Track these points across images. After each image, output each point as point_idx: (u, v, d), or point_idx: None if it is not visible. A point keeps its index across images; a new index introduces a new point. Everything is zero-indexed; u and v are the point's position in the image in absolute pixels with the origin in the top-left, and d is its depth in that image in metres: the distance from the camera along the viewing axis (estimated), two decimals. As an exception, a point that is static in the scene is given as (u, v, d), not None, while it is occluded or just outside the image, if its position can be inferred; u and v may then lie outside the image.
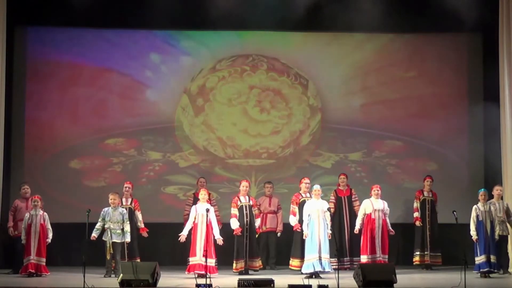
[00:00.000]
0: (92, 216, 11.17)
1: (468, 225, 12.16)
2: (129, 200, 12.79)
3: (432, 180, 13.37)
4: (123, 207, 12.39)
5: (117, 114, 14.20)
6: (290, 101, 14.38)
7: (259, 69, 14.39)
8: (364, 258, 12.52)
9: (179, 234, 11.95)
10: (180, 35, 14.42)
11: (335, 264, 11.94)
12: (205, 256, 11.20)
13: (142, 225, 12.62)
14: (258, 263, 12.51)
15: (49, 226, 12.19)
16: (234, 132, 14.29)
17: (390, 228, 12.65)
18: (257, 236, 12.69)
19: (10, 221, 12.70)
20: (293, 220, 12.68)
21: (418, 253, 13.20)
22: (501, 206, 12.25)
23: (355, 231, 12.69)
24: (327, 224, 12.01)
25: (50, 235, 12.18)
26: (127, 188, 12.83)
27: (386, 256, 12.57)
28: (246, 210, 12.49)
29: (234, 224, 12.37)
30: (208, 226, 11.85)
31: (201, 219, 11.81)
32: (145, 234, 12.62)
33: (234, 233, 12.37)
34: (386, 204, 12.70)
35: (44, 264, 12.07)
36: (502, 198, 12.43)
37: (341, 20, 13.66)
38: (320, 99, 14.39)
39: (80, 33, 14.17)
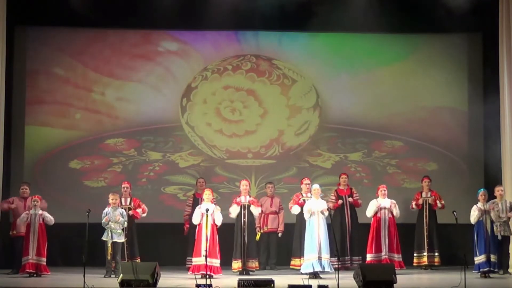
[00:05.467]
0: (92, 216, 11.16)
1: (468, 225, 12.17)
2: (128, 200, 12.79)
3: (430, 180, 13.37)
4: (122, 208, 12.39)
5: (117, 114, 14.21)
6: (264, 101, 14.36)
7: (240, 69, 14.40)
8: (369, 257, 12.58)
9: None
10: (180, 35, 14.42)
11: (335, 263, 11.93)
12: (206, 256, 11.22)
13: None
14: (255, 263, 12.46)
15: (51, 217, 12.15)
16: (211, 132, 14.31)
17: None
18: (257, 237, 12.67)
19: (5, 203, 12.71)
20: (297, 209, 12.53)
21: (416, 254, 13.20)
22: (504, 206, 12.23)
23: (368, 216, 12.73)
24: (327, 224, 12.00)
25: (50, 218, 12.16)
26: (125, 188, 12.82)
27: (395, 255, 12.60)
28: (244, 210, 12.47)
29: (234, 210, 12.35)
30: (213, 226, 11.87)
31: (205, 219, 11.78)
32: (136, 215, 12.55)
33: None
34: (393, 202, 12.72)
35: (45, 263, 12.06)
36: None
37: (340, 20, 13.69)
38: (319, 100, 14.38)
39: (80, 33, 14.19)
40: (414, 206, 13.28)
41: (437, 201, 13.22)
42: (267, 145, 14.34)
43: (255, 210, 12.52)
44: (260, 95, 14.37)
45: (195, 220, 11.97)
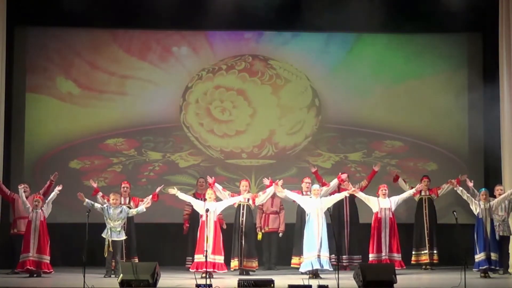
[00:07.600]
0: (92, 216, 11.17)
1: (468, 225, 12.18)
2: (127, 199, 12.79)
3: (429, 180, 13.37)
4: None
5: (117, 114, 14.22)
6: (254, 101, 14.37)
7: (233, 69, 14.41)
8: (371, 257, 12.59)
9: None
10: (179, 35, 14.45)
11: (334, 262, 11.92)
12: (206, 255, 11.22)
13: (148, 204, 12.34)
14: (254, 263, 12.44)
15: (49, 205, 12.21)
16: (204, 132, 14.33)
17: None
18: (259, 237, 12.72)
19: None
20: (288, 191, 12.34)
21: (415, 252, 13.21)
22: (503, 205, 12.24)
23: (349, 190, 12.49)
24: (326, 223, 11.99)
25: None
26: (125, 188, 12.84)
27: (395, 254, 12.54)
28: (242, 209, 12.46)
29: (233, 199, 12.33)
30: (216, 224, 11.88)
31: (207, 217, 11.77)
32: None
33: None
34: (393, 201, 12.69)
35: (48, 261, 12.03)
36: (503, 198, 12.45)
37: (340, 20, 13.69)
38: (315, 100, 14.39)
39: (79, 33, 14.20)
40: (419, 187, 13.08)
41: (437, 191, 13.23)
42: (259, 145, 14.36)
43: (276, 189, 12.35)
44: (250, 95, 14.39)
45: (199, 211, 11.95)
